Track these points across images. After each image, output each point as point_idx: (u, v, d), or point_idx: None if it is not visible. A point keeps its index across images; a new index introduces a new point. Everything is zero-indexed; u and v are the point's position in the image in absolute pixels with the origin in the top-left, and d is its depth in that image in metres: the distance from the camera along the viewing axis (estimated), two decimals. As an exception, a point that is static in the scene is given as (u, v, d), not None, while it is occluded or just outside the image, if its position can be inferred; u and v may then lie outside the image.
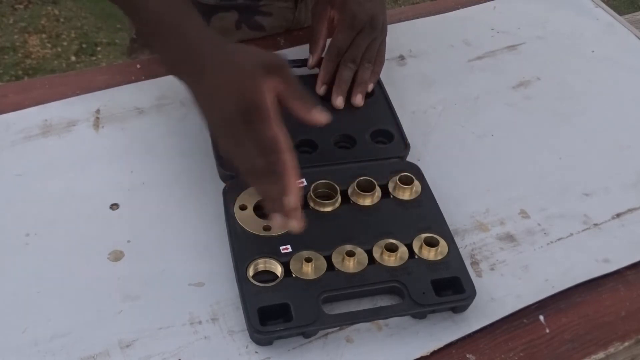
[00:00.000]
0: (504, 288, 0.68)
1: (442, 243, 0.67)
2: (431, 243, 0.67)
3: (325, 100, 0.82)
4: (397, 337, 0.63)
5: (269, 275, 0.65)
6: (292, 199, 0.60)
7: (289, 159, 0.60)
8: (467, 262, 0.68)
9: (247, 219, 0.68)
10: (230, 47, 0.65)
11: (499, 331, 0.65)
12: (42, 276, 0.66)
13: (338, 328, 0.63)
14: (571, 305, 0.68)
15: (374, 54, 0.83)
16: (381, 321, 0.64)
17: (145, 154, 0.77)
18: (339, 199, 0.71)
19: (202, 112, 0.64)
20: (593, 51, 0.97)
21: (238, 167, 0.62)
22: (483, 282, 0.68)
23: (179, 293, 0.65)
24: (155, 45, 0.69)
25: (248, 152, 0.60)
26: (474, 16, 1.01)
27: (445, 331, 0.64)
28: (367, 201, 0.71)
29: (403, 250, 0.67)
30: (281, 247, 0.66)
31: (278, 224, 0.61)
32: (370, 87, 0.83)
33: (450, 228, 0.70)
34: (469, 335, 0.64)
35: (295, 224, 0.61)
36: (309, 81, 0.84)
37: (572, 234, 0.74)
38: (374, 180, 0.72)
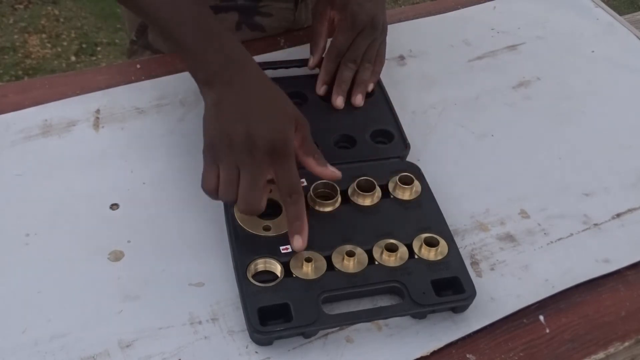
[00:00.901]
0: (504, 288, 0.68)
1: (442, 243, 0.67)
2: (431, 243, 0.67)
3: (325, 100, 0.82)
4: (397, 337, 0.63)
5: (269, 275, 0.65)
6: (303, 240, 0.66)
7: (303, 200, 0.67)
8: (467, 262, 0.68)
9: (247, 219, 0.68)
10: (272, 84, 0.69)
11: (499, 331, 0.65)
12: (42, 276, 0.66)
13: (338, 328, 0.63)
14: (571, 305, 0.68)
15: (374, 54, 0.83)
16: (381, 321, 0.64)
17: (145, 154, 0.77)
18: (339, 199, 0.71)
19: (221, 116, 0.65)
20: (593, 51, 0.97)
21: (219, 185, 0.65)
22: (483, 282, 0.68)
23: (179, 293, 0.65)
24: (193, 50, 0.68)
25: (248, 185, 0.64)
26: (474, 16, 1.01)
27: (445, 331, 0.64)
28: (367, 201, 0.71)
29: (403, 250, 0.67)
30: (281, 247, 0.66)
31: (298, 245, 0.66)
32: (371, 87, 0.83)
33: (450, 228, 0.70)
34: (469, 335, 0.64)
35: (300, 244, 0.66)
36: (309, 81, 0.84)
37: (572, 234, 0.74)
38: (374, 180, 0.72)
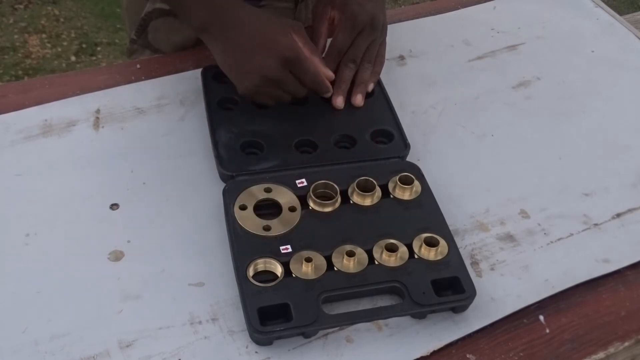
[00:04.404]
0: (504, 288, 0.68)
1: (442, 243, 0.67)
2: (431, 243, 0.67)
3: (326, 100, 0.82)
4: (397, 337, 0.63)
5: (269, 275, 0.65)
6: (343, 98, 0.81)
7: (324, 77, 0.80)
8: (467, 262, 0.68)
9: (247, 219, 0.68)
10: (260, 12, 0.77)
11: (499, 331, 0.65)
12: (42, 276, 0.66)
13: (338, 328, 0.63)
14: (571, 305, 0.68)
15: (374, 54, 0.84)
16: (381, 321, 0.64)
17: (145, 154, 0.77)
18: (339, 199, 0.71)
19: (234, 64, 0.76)
20: (593, 51, 0.97)
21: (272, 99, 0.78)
22: (483, 282, 0.68)
23: (179, 293, 0.65)
24: (186, 4, 0.77)
25: (290, 87, 0.76)
26: (474, 16, 1.01)
27: (445, 331, 0.64)
28: (367, 201, 0.71)
29: (403, 250, 0.67)
30: (281, 247, 0.66)
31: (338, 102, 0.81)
32: (371, 87, 0.83)
33: (450, 228, 0.70)
34: (469, 335, 0.64)
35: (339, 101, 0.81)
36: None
37: (572, 234, 0.74)
38: (374, 180, 0.72)
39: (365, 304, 0.65)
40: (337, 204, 0.71)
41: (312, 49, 0.79)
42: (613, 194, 0.78)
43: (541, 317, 0.67)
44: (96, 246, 0.68)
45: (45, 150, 0.77)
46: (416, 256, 0.67)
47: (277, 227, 0.68)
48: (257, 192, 0.71)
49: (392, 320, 0.64)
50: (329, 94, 0.80)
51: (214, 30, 0.76)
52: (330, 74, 0.80)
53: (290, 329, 0.61)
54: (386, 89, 0.85)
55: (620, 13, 1.09)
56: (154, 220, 0.71)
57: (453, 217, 0.73)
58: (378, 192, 0.72)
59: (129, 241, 0.69)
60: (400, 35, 0.95)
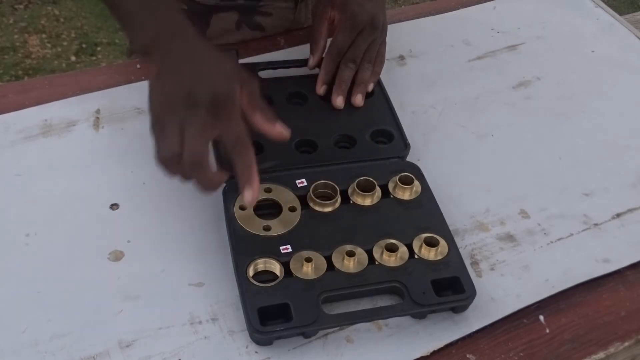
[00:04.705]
0: (504, 288, 0.68)
1: (442, 243, 0.67)
2: (431, 243, 0.67)
3: (325, 100, 0.82)
4: (397, 337, 0.63)
5: (269, 275, 0.65)
6: (253, 193, 0.64)
7: (252, 152, 0.64)
8: (467, 262, 0.68)
9: (247, 219, 0.68)
10: (212, 46, 0.67)
11: (499, 331, 0.65)
12: (42, 276, 0.66)
13: (338, 328, 0.63)
14: (571, 305, 0.68)
15: (374, 54, 0.83)
16: (381, 321, 0.64)
17: (145, 154, 0.77)
18: (339, 199, 0.71)
19: (161, 87, 0.63)
20: (593, 51, 0.97)
21: (167, 146, 0.62)
22: (483, 282, 0.68)
23: (179, 293, 0.65)
24: (130, 17, 0.67)
25: (192, 137, 0.61)
26: (474, 16, 1.01)
27: (445, 331, 0.64)
28: (367, 201, 0.71)
29: (403, 250, 0.67)
30: (281, 247, 0.66)
31: (249, 197, 0.64)
32: (370, 87, 0.83)
33: (450, 228, 0.70)
34: (469, 335, 0.64)
35: (250, 196, 0.64)
36: (309, 81, 0.84)
37: (572, 234, 0.74)
38: (374, 180, 0.72)
39: (365, 304, 0.65)
40: (337, 204, 0.71)
41: (255, 107, 0.65)
42: (613, 194, 0.78)
43: (541, 317, 0.67)
44: (96, 246, 0.68)
45: (45, 150, 0.77)
46: (416, 256, 0.67)
47: (277, 227, 0.68)
48: (257, 192, 0.71)
49: (392, 320, 0.64)
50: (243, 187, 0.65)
51: (156, 54, 0.65)
52: (280, 133, 0.66)
53: (290, 329, 0.61)
54: (386, 89, 0.85)
55: (620, 13, 1.09)
56: (154, 220, 0.71)
57: (453, 217, 0.73)
58: (378, 192, 0.72)
59: (129, 241, 0.69)
60: (400, 35, 0.95)
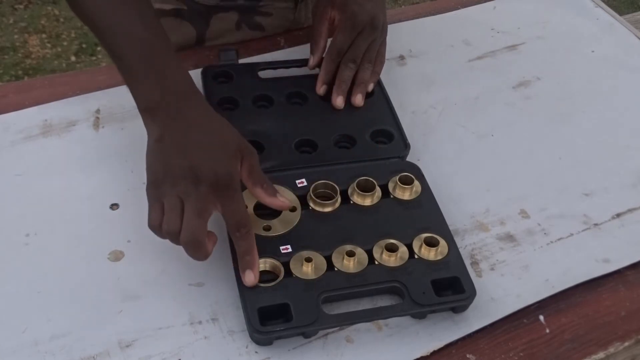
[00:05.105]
0: (504, 288, 0.68)
1: (442, 243, 0.67)
2: (431, 243, 0.67)
3: (325, 100, 0.82)
4: (397, 337, 0.63)
5: (269, 275, 0.65)
6: (254, 274, 0.63)
7: (253, 235, 0.64)
8: (467, 262, 0.68)
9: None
10: (215, 115, 0.66)
11: (499, 331, 0.65)
12: (42, 276, 0.66)
13: (338, 328, 0.63)
14: (571, 305, 0.68)
15: (374, 54, 0.84)
16: (381, 321, 0.64)
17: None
18: (339, 199, 0.71)
19: (163, 152, 0.63)
20: (593, 51, 0.97)
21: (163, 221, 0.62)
22: (483, 282, 0.68)
23: (179, 293, 0.65)
24: (137, 78, 0.65)
25: (192, 215, 0.61)
26: (474, 16, 1.01)
27: (445, 331, 0.64)
28: (367, 201, 0.71)
29: (403, 250, 0.67)
30: (281, 247, 0.66)
31: (250, 280, 0.63)
32: (371, 87, 0.83)
33: (450, 228, 0.70)
34: (469, 335, 0.64)
35: (252, 279, 0.63)
36: (309, 81, 0.84)
37: (572, 234, 0.74)
38: (374, 180, 0.72)
39: (365, 304, 0.65)
40: (337, 204, 0.71)
41: (256, 182, 0.66)
42: (613, 194, 0.78)
43: (541, 317, 0.67)
44: (96, 246, 0.68)
45: (45, 150, 0.77)
46: (416, 256, 0.67)
47: (277, 227, 0.68)
48: (257, 192, 0.71)
49: (392, 320, 0.64)
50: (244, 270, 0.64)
51: (159, 115, 0.64)
52: (282, 204, 0.67)
53: (290, 329, 0.61)
54: (386, 89, 0.85)
55: (620, 13, 1.09)
56: (154, 220, 0.71)
57: (453, 217, 0.73)
58: (378, 192, 0.72)
59: (129, 241, 0.69)
60: (400, 35, 0.95)
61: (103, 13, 0.66)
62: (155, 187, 0.63)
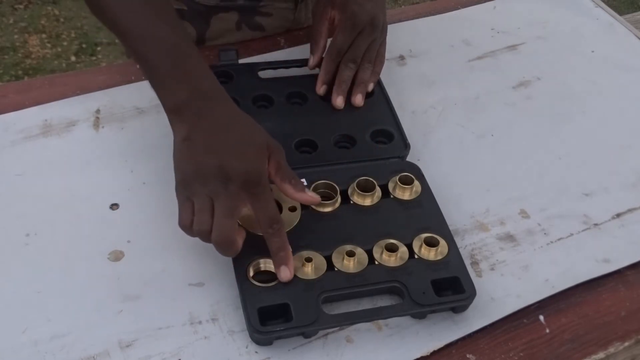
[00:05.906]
0: (504, 288, 0.68)
1: (442, 243, 0.67)
2: (431, 243, 0.67)
3: (325, 100, 0.82)
4: (397, 337, 0.63)
5: (269, 275, 0.65)
6: (290, 270, 0.64)
7: (284, 231, 0.65)
8: (467, 262, 0.68)
9: (247, 219, 0.68)
10: (242, 114, 0.67)
11: (499, 331, 0.65)
12: (42, 276, 0.66)
13: (338, 328, 0.63)
14: (571, 305, 0.68)
15: (374, 54, 0.84)
16: (381, 321, 0.64)
17: (145, 154, 0.77)
18: (339, 199, 0.71)
19: (192, 151, 0.63)
20: (593, 51, 0.97)
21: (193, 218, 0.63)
22: (483, 282, 0.68)
23: (179, 293, 0.65)
24: (162, 76, 0.66)
25: (223, 214, 0.62)
26: (474, 16, 1.01)
27: (445, 331, 0.64)
28: (367, 201, 0.71)
29: (403, 250, 0.67)
30: (281, 247, 0.66)
31: (286, 276, 0.64)
32: (371, 87, 0.83)
33: (450, 228, 0.70)
34: (469, 335, 0.64)
35: (287, 275, 0.64)
36: (309, 81, 0.84)
37: (572, 234, 0.74)
38: (374, 180, 0.72)
39: (365, 304, 0.65)
40: (337, 204, 0.71)
41: (284, 178, 0.66)
42: (613, 194, 0.78)
43: (541, 317, 0.67)
44: (96, 246, 0.68)
45: (45, 150, 0.77)
46: (416, 256, 0.67)
47: (277, 227, 0.68)
48: (257, 192, 0.71)
49: (392, 320, 0.64)
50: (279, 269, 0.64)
51: (187, 114, 0.64)
52: (312, 198, 0.68)
53: (290, 329, 0.61)
54: (386, 89, 0.85)
55: (620, 13, 1.09)
56: (154, 220, 0.71)
57: (453, 217, 0.73)
58: (378, 192, 0.72)
59: (129, 241, 0.69)
60: (400, 35, 0.95)
61: (125, 14, 0.66)
62: (185, 186, 0.63)
